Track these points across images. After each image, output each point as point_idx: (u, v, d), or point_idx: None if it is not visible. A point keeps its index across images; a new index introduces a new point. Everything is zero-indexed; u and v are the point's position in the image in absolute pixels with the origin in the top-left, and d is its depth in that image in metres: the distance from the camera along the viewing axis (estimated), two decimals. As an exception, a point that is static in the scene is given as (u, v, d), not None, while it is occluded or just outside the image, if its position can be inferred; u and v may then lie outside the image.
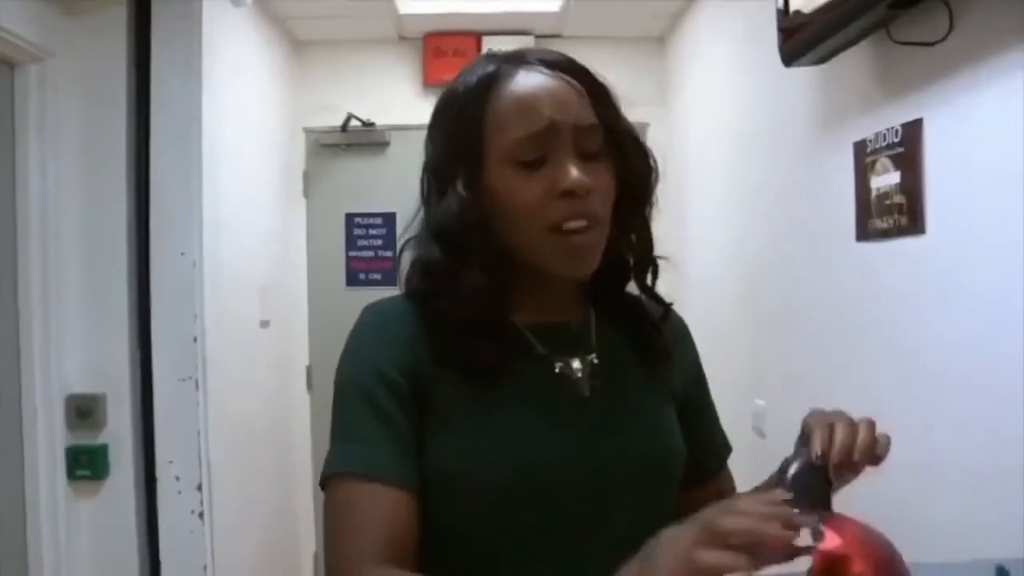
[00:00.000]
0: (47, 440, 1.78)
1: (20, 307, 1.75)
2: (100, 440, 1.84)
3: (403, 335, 0.94)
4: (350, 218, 3.76)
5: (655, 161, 1.00)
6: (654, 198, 1.01)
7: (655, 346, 1.02)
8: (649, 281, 1.03)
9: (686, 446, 1.00)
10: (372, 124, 3.70)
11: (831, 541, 0.74)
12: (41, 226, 1.77)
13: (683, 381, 1.06)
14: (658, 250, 1.02)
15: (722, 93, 2.84)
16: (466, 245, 0.92)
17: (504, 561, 0.89)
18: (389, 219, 3.75)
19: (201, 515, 1.90)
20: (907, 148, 1.54)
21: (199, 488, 1.89)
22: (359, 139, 3.72)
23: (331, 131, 3.71)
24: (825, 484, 0.86)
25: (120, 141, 1.84)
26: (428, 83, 3.73)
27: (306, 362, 3.76)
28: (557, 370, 0.95)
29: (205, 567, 1.91)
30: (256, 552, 3.03)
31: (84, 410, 1.82)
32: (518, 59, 0.95)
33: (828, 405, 1.89)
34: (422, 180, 1.00)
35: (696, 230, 3.23)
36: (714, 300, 2.95)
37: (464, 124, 0.93)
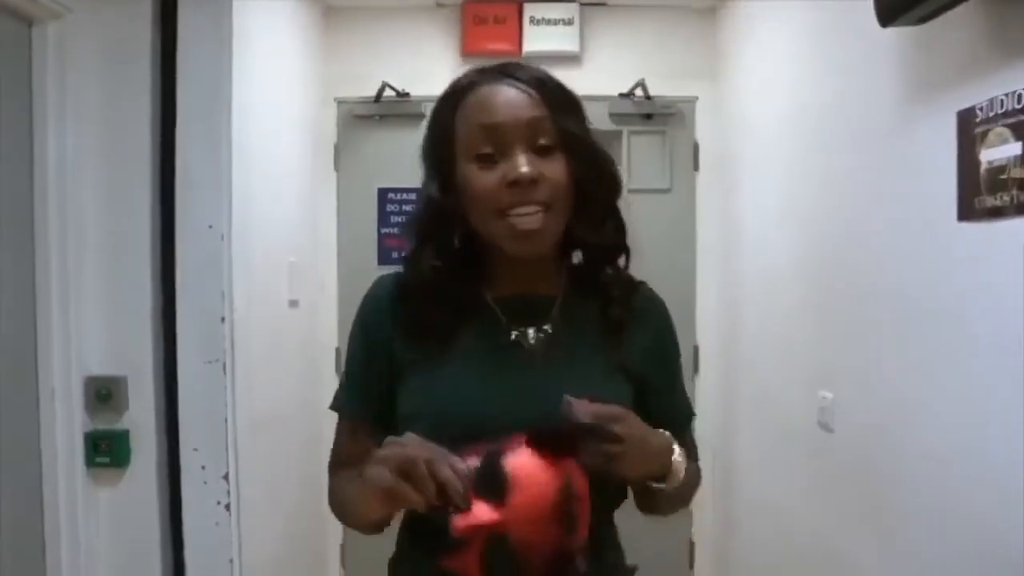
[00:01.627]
0: (65, 425, 1.73)
1: (37, 283, 1.69)
2: (121, 425, 1.78)
3: (384, 308, 1.22)
4: (383, 193, 3.69)
5: (611, 162, 1.21)
6: (619, 192, 1.23)
7: (615, 320, 1.22)
8: (622, 263, 1.25)
9: (646, 414, 1.13)
10: (407, 95, 3.62)
11: (481, 512, 0.94)
12: (59, 196, 1.70)
13: (646, 356, 1.24)
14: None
15: (787, 64, 2.71)
16: (431, 229, 1.19)
17: None
18: None
19: (228, 506, 1.83)
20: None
21: (226, 477, 1.82)
22: (393, 110, 3.64)
23: (364, 102, 3.64)
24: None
25: (144, 105, 1.76)
26: (467, 52, 3.64)
27: (335, 344, 3.70)
28: (512, 337, 1.19)
29: (231, 561, 1.85)
30: (282, 543, 3.00)
31: (104, 393, 1.76)
32: (490, 73, 1.17)
33: (910, 402, 1.80)
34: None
35: (752, 210, 3.13)
36: (773, 284, 2.84)
37: (439, 129, 1.18)
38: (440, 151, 1.17)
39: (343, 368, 1.28)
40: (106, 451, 1.77)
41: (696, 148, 3.70)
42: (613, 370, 1.21)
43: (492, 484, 0.96)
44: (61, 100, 1.69)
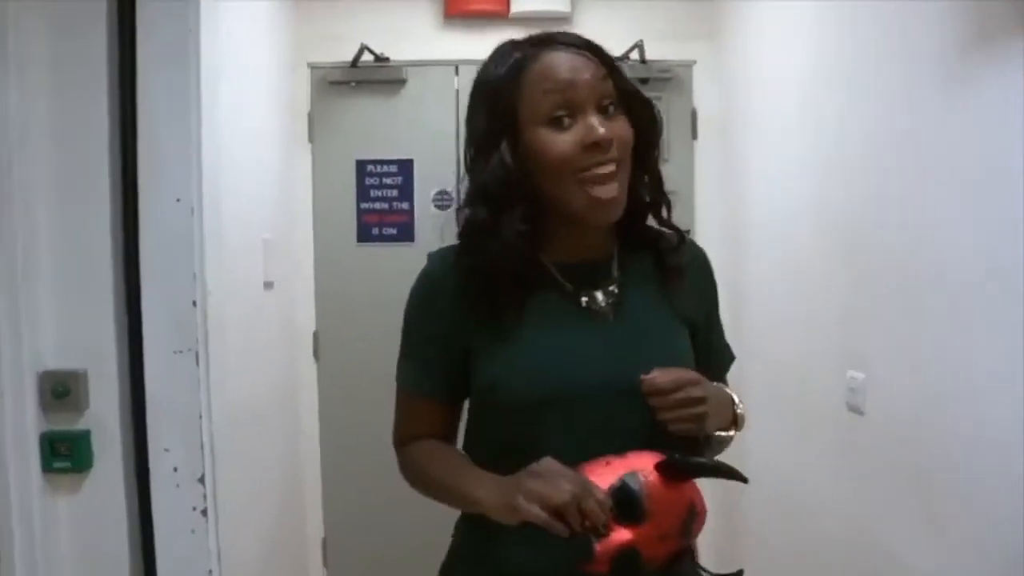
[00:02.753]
0: (16, 425, 1.59)
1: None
2: (81, 425, 1.65)
3: (447, 282, 1.29)
4: (361, 165, 3.60)
5: (659, 113, 1.30)
6: (661, 145, 1.31)
7: (672, 269, 1.32)
8: (664, 214, 1.33)
9: (694, 357, 1.31)
10: (387, 59, 3.52)
11: (619, 535, 1.10)
12: (3, 169, 1.55)
13: (696, 302, 1.37)
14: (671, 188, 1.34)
15: (809, 17, 2.60)
16: (507, 198, 1.22)
17: (535, 455, 1.16)
18: (406, 166, 3.59)
19: (204, 511, 1.72)
20: None
21: (201, 480, 1.71)
22: (372, 76, 3.55)
23: (339, 66, 3.54)
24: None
25: (99, 61, 1.61)
26: (450, 13, 3.55)
27: (312, 328, 3.64)
28: (584, 303, 1.28)
29: (210, 572, 1.75)
30: (263, 546, 2.92)
31: (61, 389, 1.63)
32: (540, 42, 1.23)
33: (958, 380, 1.71)
34: (466, 155, 1.30)
35: (761, 179, 3.05)
36: (790, 257, 2.75)
37: (502, 100, 1.23)
38: (504, 120, 1.23)
39: (402, 342, 1.37)
40: (65, 454, 1.65)
41: (694, 115, 3.63)
42: (677, 320, 1.33)
43: (629, 510, 1.12)
44: (3, 56, 1.54)
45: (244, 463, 2.60)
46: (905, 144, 2.02)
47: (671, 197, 1.33)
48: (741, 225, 3.26)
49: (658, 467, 1.14)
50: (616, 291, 1.30)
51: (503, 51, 1.27)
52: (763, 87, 3.01)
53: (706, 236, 3.58)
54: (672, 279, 1.32)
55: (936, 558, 1.88)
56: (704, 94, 3.59)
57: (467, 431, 1.38)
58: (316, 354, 3.65)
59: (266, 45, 3.12)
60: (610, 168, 1.18)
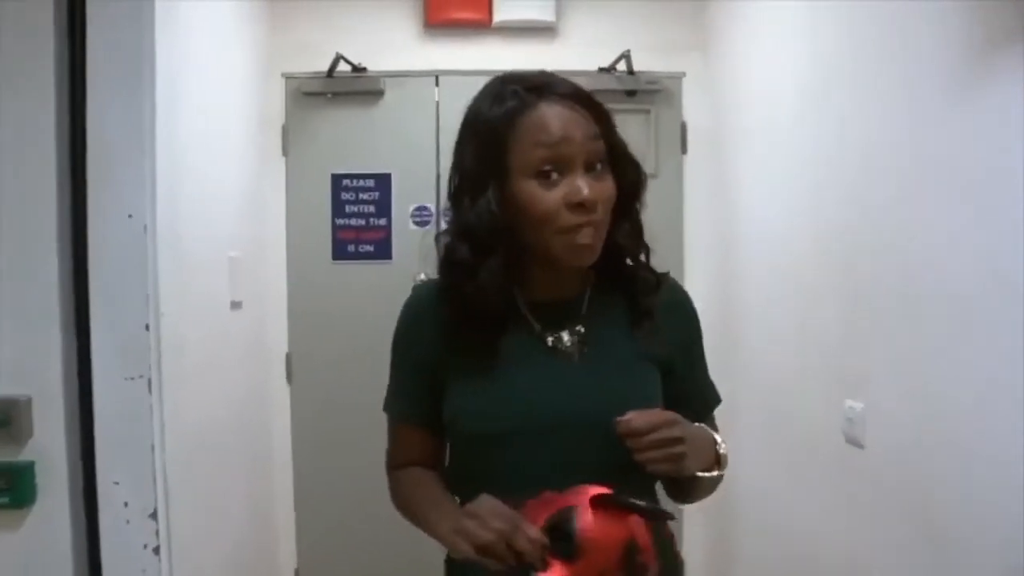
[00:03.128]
0: None
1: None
2: (24, 456, 1.58)
3: (428, 315, 1.39)
4: (337, 179, 3.56)
5: (643, 170, 1.37)
6: (642, 197, 1.38)
7: (643, 310, 1.38)
8: (643, 258, 1.40)
9: (673, 400, 1.34)
10: (364, 69, 3.49)
11: (553, 572, 1.14)
12: None
13: (670, 344, 1.39)
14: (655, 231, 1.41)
15: (804, 25, 2.57)
16: (490, 243, 1.28)
17: (496, 487, 1.24)
18: (383, 181, 3.56)
19: (156, 549, 1.64)
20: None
21: (153, 516, 1.63)
22: (348, 87, 3.51)
23: (315, 77, 3.51)
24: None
25: (47, 62, 1.54)
26: (431, 23, 3.52)
27: (285, 349, 3.59)
28: (549, 343, 1.35)
29: None
30: None
31: (2, 418, 1.55)
32: (536, 89, 1.28)
33: (964, 413, 1.65)
34: (451, 180, 1.36)
35: (753, 195, 3.02)
36: (784, 279, 2.71)
37: (493, 145, 1.28)
38: (493, 165, 1.28)
39: (390, 372, 1.46)
40: (5, 488, 1.57)
41: (684, 128, 3.60)
42: (644, 359, 1.37)
43: (565, 547, 1.15)
44: None
45: (203, 495, 2.54)
46: (904, 156, 1.97)
47: (652, 243, 1.40)
48: (733, 242, 3.23)
49: (592, 503, 1.17)
50: (583, 330, 1.37)
51: (497, 91, 1.31)
52: (756, 99, 2.98)
53: (696, 254, 3.56)
54: (643, 320, 1.38)
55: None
56: (694, 107, 3.57)
57: (448, 462, 1.47)
58: (289, 376, 3.60)
59: (236, 52, 3.07)
60: (589, 229, 1.26)
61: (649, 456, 1.20)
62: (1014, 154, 1.51)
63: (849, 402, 2.19)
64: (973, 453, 1.71)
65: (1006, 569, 1.59)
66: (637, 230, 1.38)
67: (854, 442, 2.17)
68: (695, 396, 1.44)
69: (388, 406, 1.48)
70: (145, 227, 1.58)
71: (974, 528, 1.71)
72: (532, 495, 1.22)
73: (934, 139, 1.83)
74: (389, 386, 1.47)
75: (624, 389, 1.33)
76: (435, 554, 1.43)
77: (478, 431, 1.32)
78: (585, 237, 1.25)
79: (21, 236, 1.56)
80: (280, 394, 3.58)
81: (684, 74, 3.56)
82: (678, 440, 1.20)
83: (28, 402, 1.56)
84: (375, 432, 3.32)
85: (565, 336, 1.36)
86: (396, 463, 1.49)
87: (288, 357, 3.58)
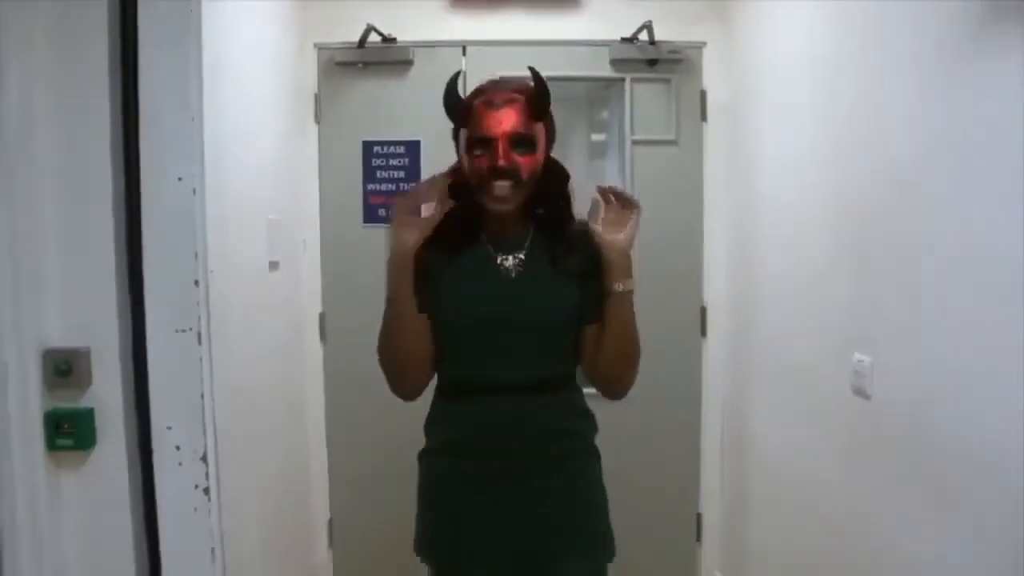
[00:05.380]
0: (20, 404, 1.59)
1: (-16, 245, 1.54)
2: (84, 403, 1.65)
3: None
4: (368, 146, 3.57)
5: (554, 130, 1.94)
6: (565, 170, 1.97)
7: (565, 245, 1.91)
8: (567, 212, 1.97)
9: (584, 302, 1.89)
10: (393, 40, 3.49)
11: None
12: (4, 146, 1.55)
13: (584, 268, 1.89)
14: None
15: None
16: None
17: (462, 368, 1.91)
18: (412, 148, 3.57)
19: (207, 490, 1.71)
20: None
21: (203, 459, 1.70)
22: (379, 57, 3.51)
23: (347, 47, 3.51)
24: None
25: (100, 38, 1.60)
26: None
27: (319, 310, 3.62)
28: (498, 261, 1.89)
29: (213, 550, 1.73)
30: (266, 526, 2.94)
31: (64, 368, 1.62)
32: (486, 91, 1.86)
33: (968, 364, 1.70)
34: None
35: (769, 161, 3.04)
36: (797, 239, 2.74)
37: (453, 124, 1.91)
38: (455, 134, 1.93)
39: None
40: (68, 432, 1.64)
41: (704, 97, 3.60)
42: (566, 279, 1.89)
43: None
44: (4, 40, 1.55)
45: (247, 442, 2.61)
46: (914, 124, 1.99)
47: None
48: (750, 206, 3.24)
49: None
50: (523, 258, 1.90)
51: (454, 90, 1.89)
52: (774, 69, 2.98)
53: (715, 217, 3.57)
54: (564, 250, 1.90)
55: (937, 543, 1.87)
56: (714, 76, 3.56)
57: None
58: (323, 336, 3.64)
59: (272, 25, 3.11)
60: (505, 185, 1.81)
61: (610, 217, 1.83)
62: (1015, 123, 1.55)
63: (857, 355, 2.23)
64: (973, 405, 1.74)
65: (1003, 517, 1.63)
66: (566, 196, 1.95)
67: (861, 393, 2.22)
68: (595, 301, 1.89)
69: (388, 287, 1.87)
70: (194, 190, 1.64)
71: (973, 477, 1.74)
72: (482, 371, 1.86)
73: (941, 109, 1.86)
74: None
75: (546, 296, 1.87)
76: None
77: (441, 319, 1.87)
78: (504, 191, 1.81)
79: (80, 200, 1.62)
80: (314, 352, 3.61)
81: (704, 44, 3.54)
82: (634, 212, 1.83)
83: (87, 353, 1.64)
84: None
85: (510, 259, 1.89)
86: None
87: (322, 317, 3.61)
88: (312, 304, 3.60)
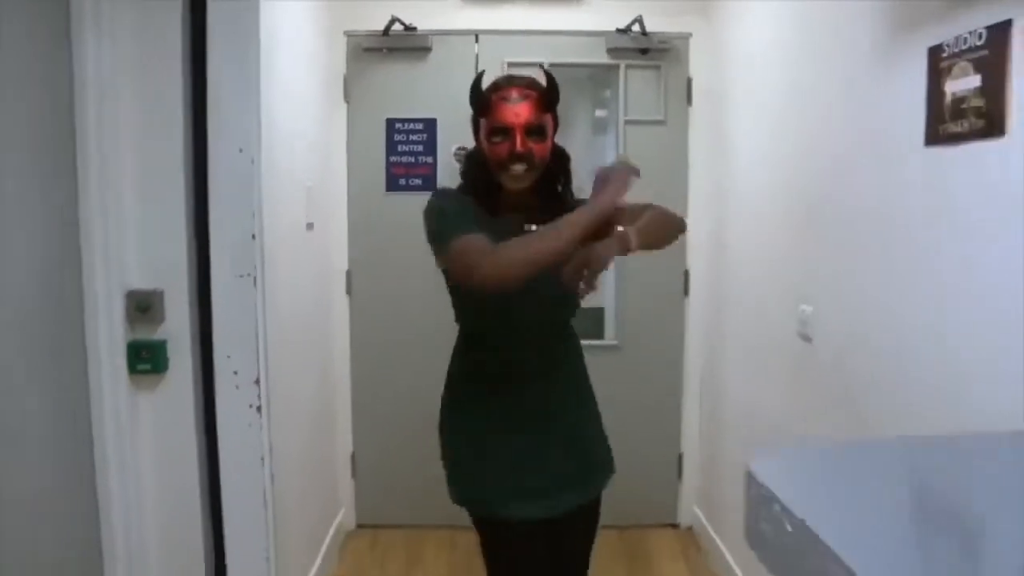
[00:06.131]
0: (108, 335, 1.76)
1: (80, 204, 1.71)
2: (159, 335, 1.82)
3: (464, 202, 1.97)
4: (391, 123, 3.69)
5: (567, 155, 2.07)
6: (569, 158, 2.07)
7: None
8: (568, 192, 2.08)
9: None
10: (414, 29, 3.59)
11: None
12: (98, 118, 1.71)
13: None
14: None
15: (775, 2, 2.72)
16: (480, 169, 2.01)
17: (487, 312, 2.01)
18: (430, 125, 3.68)
19: (259, 408, 1.88)
20: (991, 51, 1.47)
21: (257, 382, 1.87)
22: (401, 44, 3.62)
23: (373, 35, 3.62)
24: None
25: (175, 28, 1.77)
26: None
27: (345, 267, 3.75)
28: (525, 227, 1.92)
29: (262, 459, 1.90)
30: (302, 449, 3.08)
31: (144, 305, 1.79)
32: (502, 87, 1.96)
33: (883, 311, 1.89)
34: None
35: (740, 141, 3.16)
36: (758, 210, 2.89)
37: (475, 114, 1.99)
38: (475, 124, 2.02)
39: (450, 223, 1.83)
40: (146, 359, 1.80)
41: (689, 83, 3.70)
42: None
43: None
44: (97, 25, 1.69)
45: (290, 373, 2.77)
46: (839, 114, 2.18)
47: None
48: (726, 180, 3.37)
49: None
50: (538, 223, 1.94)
51: (486, 85, 1.98)
52: (747, 59, 3.11)
53: (698, 191, 3.70)
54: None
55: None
56: (699, 64, 3.67)
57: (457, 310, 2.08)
58: (349, 289, 3.76)
59: (309, 17, 3.23)
60: (521, 168, 1.92)
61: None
62: (915, 109, 1.73)
63: (803, 306, 2.42)
64: (890, 337, 1.91)
65: (904, 431, 1.78)
66: (568, 179, 2.07)
67: (805, 337, 2.40)
68: None
69: (459, 229, 1.80)
70: (252, 159, 1.82)
71: (893, 415, 1.90)
72: (506, 321, 1.97)
73: (858, 100, 2.05)
74: (452, 225, 1.82)
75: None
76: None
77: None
78: (520, 172, 1.92)
79: (156, 166, 1.78)
80: (341, 305, 3.73)
81: (691, 35, 3.65)
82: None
83: (161, 294, 1.81)
84: (420, 339, 3.53)
85: (533, 226, 1.90)
86: (486, 247, 1.76)
87: (348, 274, 3.74)
88: (340, 261, 3.72)
